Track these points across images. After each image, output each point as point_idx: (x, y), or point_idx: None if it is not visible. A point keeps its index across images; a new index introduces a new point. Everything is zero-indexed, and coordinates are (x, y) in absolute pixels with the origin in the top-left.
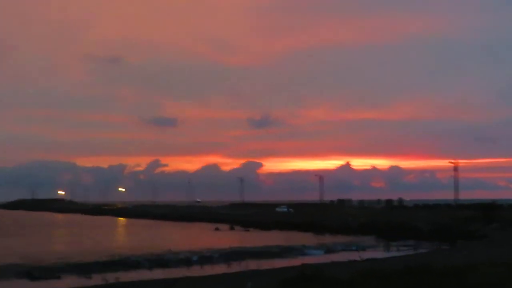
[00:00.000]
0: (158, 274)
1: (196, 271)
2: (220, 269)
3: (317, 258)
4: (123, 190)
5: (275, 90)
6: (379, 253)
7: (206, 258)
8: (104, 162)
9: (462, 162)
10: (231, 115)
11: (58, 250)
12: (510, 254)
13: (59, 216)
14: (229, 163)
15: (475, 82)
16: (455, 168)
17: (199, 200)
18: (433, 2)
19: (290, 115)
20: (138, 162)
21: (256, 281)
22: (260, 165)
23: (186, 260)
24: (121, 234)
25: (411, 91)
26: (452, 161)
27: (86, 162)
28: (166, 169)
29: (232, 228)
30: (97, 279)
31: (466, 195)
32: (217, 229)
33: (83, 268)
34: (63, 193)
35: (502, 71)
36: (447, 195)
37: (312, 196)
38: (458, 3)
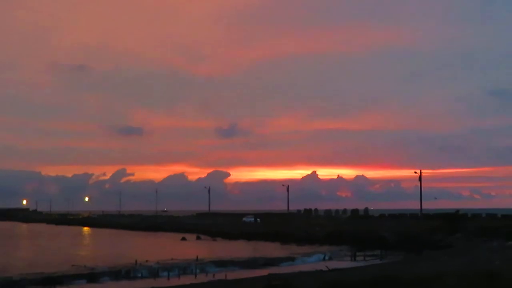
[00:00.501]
0: (124, 285)
1: (163, 282)
2: (186, 279)
3: (284, 268)
4: (88, 199)
5: (242, 100)
6: (345, 263)
7: (173, 268)
8: (68, 171)
9: (426, 172)
10: (198, 124)
11: (22, 261)
12: (475, 264)
13: (23, 226)
14: (196, 173)
15: (439, 93)
16: (420, 178)
17: (165, 209)
18: (399, 13)
19: (257, 124)
20: (104, 171)
21: None
22: (227, 174)
23: (152, 271)
24: (87, 245)
25: (377, 102)
26: (417, 171)
27: (50, 171)
28: (132, 178)
29: (198, 238)
30: None
31: (430, 205)
32: (183, 239)
33: (48, 280)
34: (25, 202)
35: (466, 82)
36: (412, 205)
37: (279, 206)
38: (424, 14)
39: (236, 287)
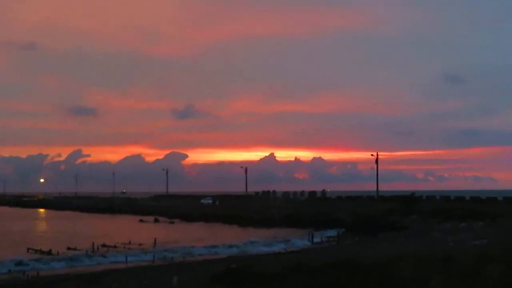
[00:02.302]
0: (81, 268)
1: (120, 264)
2: (144, 262)
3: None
4: (44, 181)
5: (199, 81)
6: (303, 245)
7: (130, 251)
8: (22, 152)
9: (382, 154)
10: (154, 105)
11: None
12: (430, 246)
13: None
14: (153, 154)
15: (394, 77)
16: (377, 161)
17: (125, 191)
18: None
19: (215, 106)
20: (59, 152)
21: (183, 276)
22: (185, 156)
23: (109, 254)
24: (42, 227)
25: (334, 85)
26: (373, 153)
27: (3, 151)
28: (88, 159)
29: (156, 220)
30: (17, 274)
31: (386, 187)
32: (141, 221)
33: (2, 264)
34: None
35: (421, 66)
36: (368, 187)
37: (237, 188)
38: None
39: (196, 270)
